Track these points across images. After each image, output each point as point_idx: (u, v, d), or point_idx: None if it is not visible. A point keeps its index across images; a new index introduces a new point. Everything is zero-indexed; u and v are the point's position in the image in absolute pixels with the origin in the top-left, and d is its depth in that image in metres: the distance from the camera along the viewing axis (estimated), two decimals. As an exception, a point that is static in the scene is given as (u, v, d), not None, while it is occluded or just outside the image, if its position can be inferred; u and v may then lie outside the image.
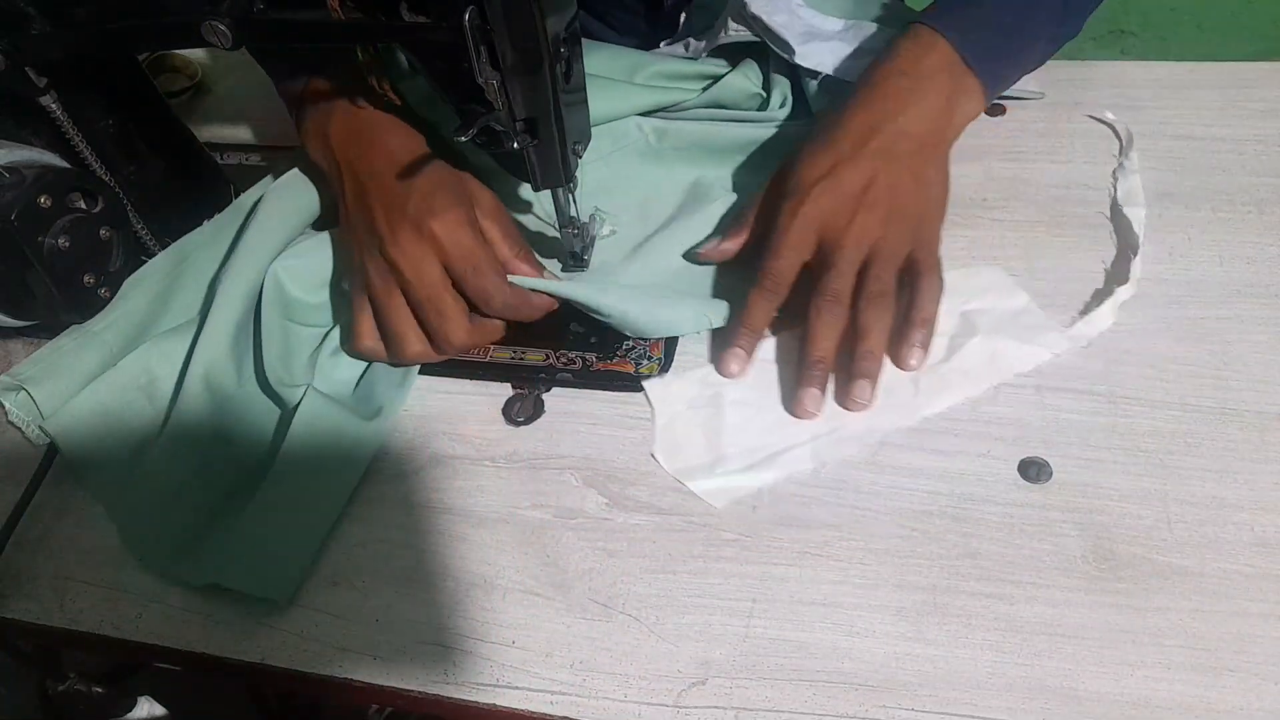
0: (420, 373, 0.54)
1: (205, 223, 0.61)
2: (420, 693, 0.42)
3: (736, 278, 0.54)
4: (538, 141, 0.47)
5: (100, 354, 0.54)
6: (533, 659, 0.42)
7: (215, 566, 0.45)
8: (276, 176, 0.61)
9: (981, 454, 0.45)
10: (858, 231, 0.50)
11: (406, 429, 0.51)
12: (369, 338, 0.52)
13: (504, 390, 0.52)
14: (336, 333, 0.55)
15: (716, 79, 0.64)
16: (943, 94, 0.53)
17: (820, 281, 0.50)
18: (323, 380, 0.52)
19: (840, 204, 0.50)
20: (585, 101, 0.50)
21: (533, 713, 0.40)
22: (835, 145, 0.52)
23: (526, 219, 0.61)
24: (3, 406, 0.53)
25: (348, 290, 0.54)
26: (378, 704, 0.67)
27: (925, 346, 0.49)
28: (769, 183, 0.56)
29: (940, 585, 0.41)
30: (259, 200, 0.59)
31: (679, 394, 0.51)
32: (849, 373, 0.49)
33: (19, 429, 0.53)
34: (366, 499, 0.49)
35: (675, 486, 0.47)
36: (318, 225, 0.60)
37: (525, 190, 0.61)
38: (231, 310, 0.53)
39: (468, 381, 0.53)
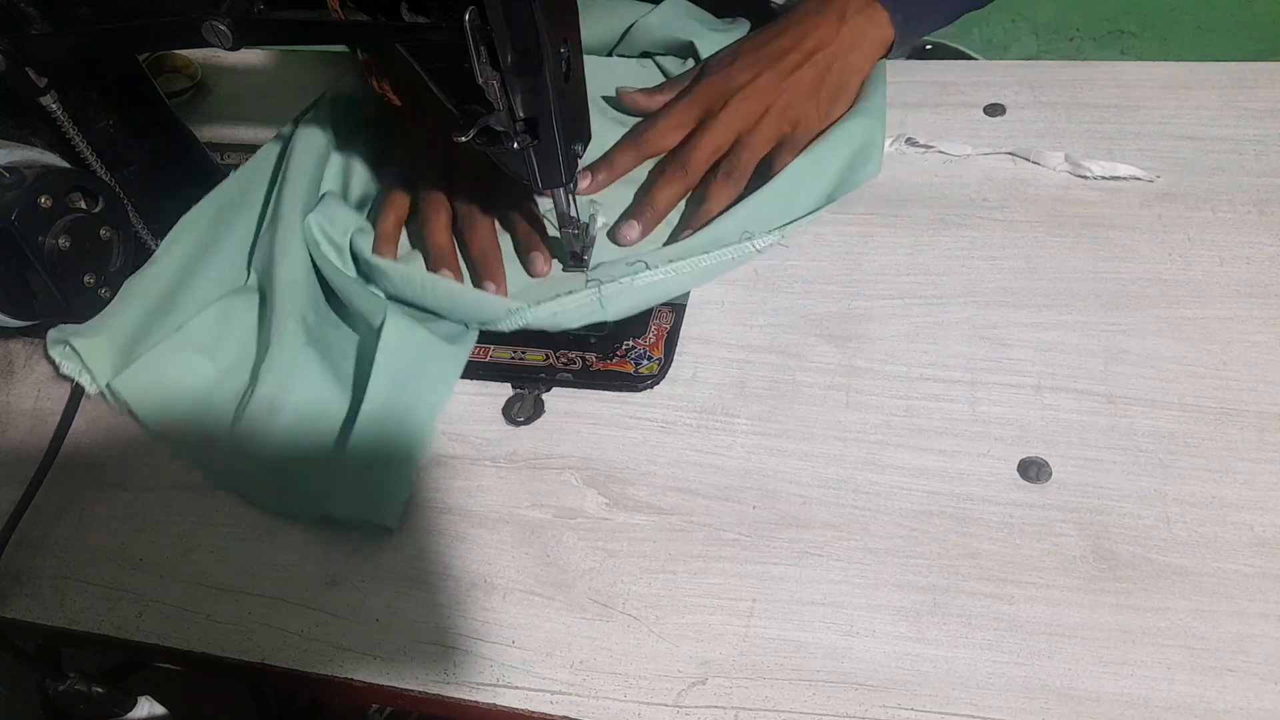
0: None
1: (234, 172, 0.64)
2: (420, 692, 0.42)
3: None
4: (538, 142, 0.47)
5: (141, 308, 0.56)
6: (533, 659, 0.42)
7: (324, 500, 0.47)
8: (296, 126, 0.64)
9: (981, 454, 0.45)
10: (729, 114, 0.58)
11: (406, 429, 0.51)
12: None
13: (504, 390, 0.52)
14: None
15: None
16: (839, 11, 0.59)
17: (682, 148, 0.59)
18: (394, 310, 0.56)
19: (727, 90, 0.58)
20: (585, 102, 0.50)
21: (533, 712, 0.40)
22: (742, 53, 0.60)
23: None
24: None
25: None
26: (378, 704, 0.68)
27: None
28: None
29: (940, 585, 0.41)
30: (286, 154, 0.62)
31: None
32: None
33: (73, 378, 0.55)
34: (366, 499, 0.49)
35: (675, 486, 0.47)
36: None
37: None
38: (294, 271, 0.56)
39: (468, 381, 0.53)
